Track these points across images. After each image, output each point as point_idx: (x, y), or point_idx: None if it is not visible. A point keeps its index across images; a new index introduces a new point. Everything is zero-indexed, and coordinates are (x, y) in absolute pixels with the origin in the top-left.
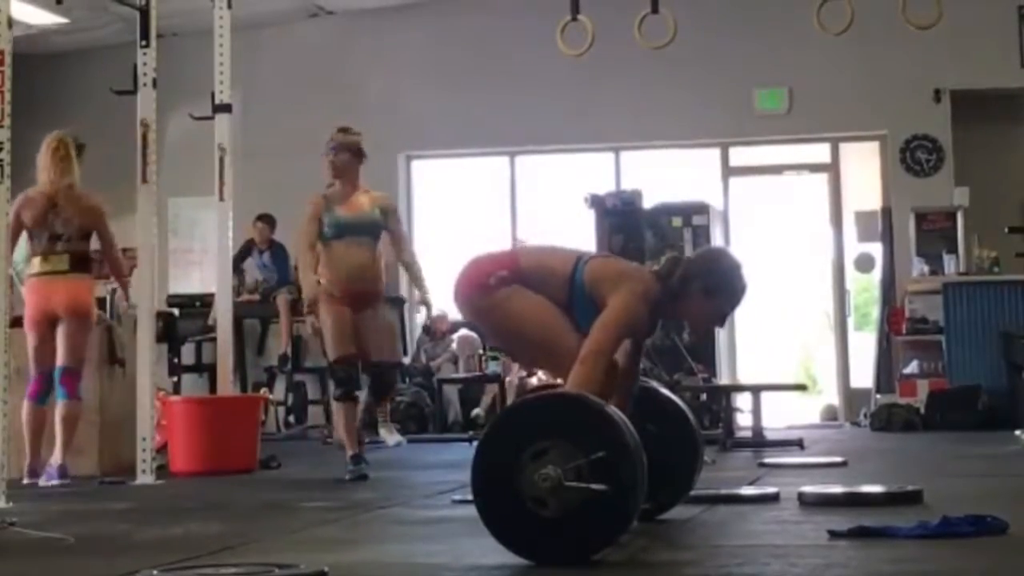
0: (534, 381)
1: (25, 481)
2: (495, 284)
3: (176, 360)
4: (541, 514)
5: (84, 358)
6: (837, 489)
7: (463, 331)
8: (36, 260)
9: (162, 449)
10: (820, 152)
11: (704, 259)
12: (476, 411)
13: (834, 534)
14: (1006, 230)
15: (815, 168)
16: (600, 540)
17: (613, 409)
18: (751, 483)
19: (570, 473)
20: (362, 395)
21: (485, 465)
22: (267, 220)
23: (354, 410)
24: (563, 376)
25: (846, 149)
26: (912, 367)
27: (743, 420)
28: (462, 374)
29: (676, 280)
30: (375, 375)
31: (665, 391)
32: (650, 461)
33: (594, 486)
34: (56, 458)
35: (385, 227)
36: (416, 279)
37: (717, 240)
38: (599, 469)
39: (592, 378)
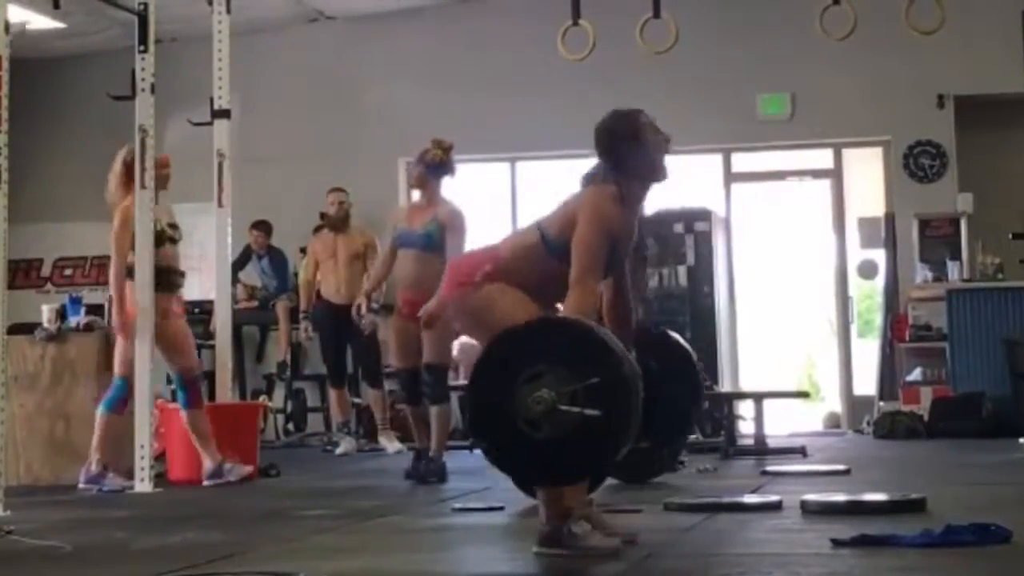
0: None
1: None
2: (480, 279)
3: None
4: (534, 437)
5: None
6: (840, 497)
7: (464, 338)
8: None
9: (160, 457)
10: (823, 158)
11: (604, 125)
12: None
13: (837, 543)
14: (1010, 236)
15: (818, 174)
16: (592, 464)
17: (610, 335)
18: (753, 491)
19: (564, 397)
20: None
21: (480, 387)
22: (263, 227)
23: (417, 412)
24: None
25: (849, 155)
26: (915, 374)
27: (745, 428)
28: (463, 381)
29: (610, 160)
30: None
31: (672, 333)
32: (650, 397)
33: (587, 411)
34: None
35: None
36: None
37: (719, 246)
38: (593, 394)
39: (584, 301)
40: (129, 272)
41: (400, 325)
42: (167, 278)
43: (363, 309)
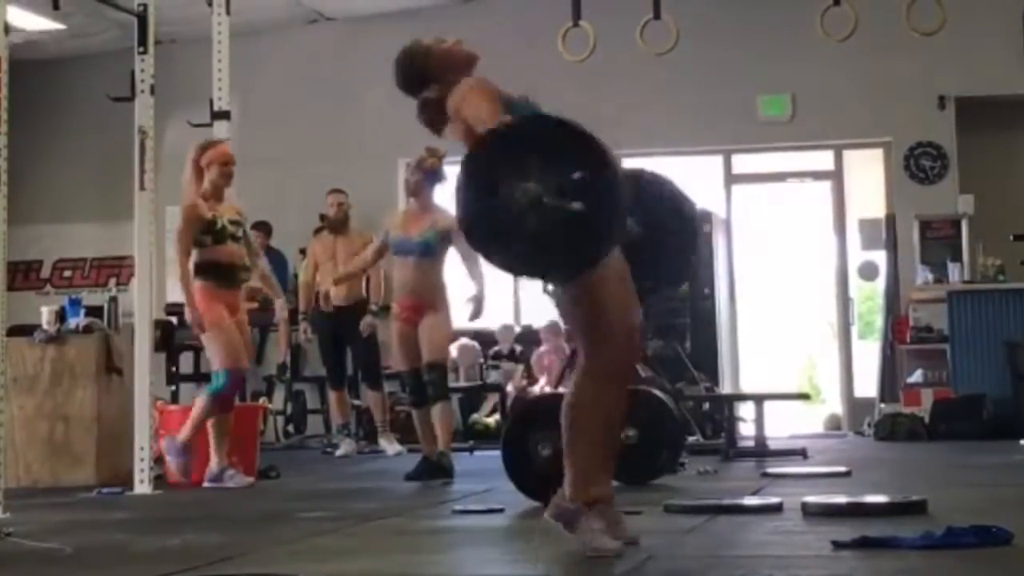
0: (535, 390)
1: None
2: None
3: (174, 369)
4: (519, 228)
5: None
6: (841, 499)
7: (463, 340)
8: None
9: (160, 459)
10: (824, 159)
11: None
12: (474, 416)
13: (838, 545)
14: (1011, 238)
15: (819, 175)
16: (578, 258)
17: (598, 136)
18: (754, 493)
19: (550, 191)
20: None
21: (470, 181)
22: (262, 228)
23: (423, 414)
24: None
25: (850, 156)
26: (916, 376)
27: (746, 429)
28: (463, 383)
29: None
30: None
31: (669, 185)
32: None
33: (572, 204)
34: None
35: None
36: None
37: (720, 248)
38: (579, 189)
39: None
40: (196, 270)
41: (400, 329)
42: (230, 274)
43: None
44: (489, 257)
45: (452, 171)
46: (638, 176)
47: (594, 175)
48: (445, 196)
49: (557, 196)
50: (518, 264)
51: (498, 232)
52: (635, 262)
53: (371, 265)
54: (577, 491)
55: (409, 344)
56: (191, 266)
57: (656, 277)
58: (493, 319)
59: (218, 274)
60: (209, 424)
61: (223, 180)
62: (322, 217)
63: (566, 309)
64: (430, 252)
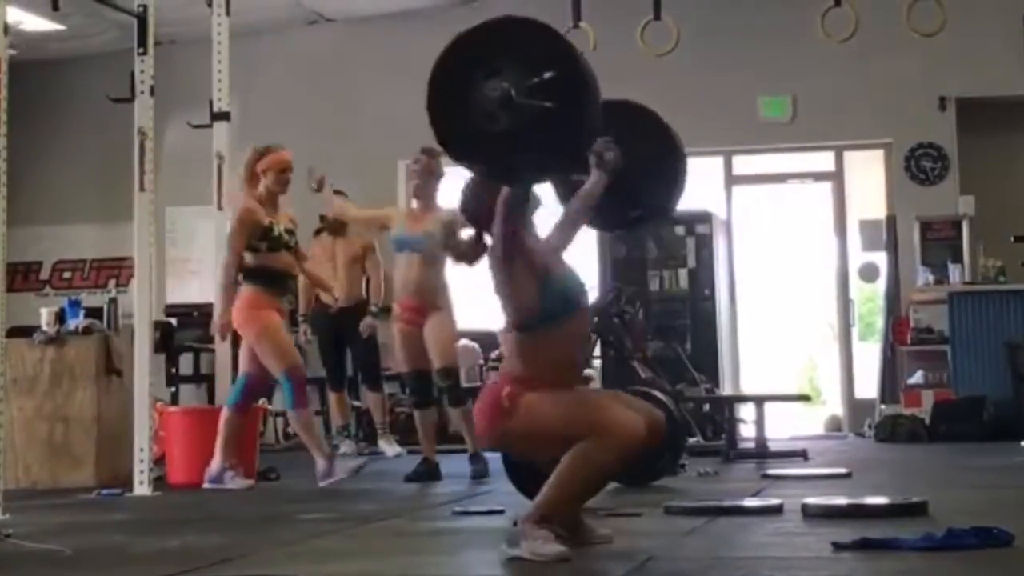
0: None
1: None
2: (509, 403)
3: (174, 370)
4: (492, 129)
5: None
6: (841, 501)
7: (463, 341)
8: None
9: (160, 460)
10: (824, 160)
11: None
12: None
13: (838, 546)
14: (1012, 239)
15: (819, 176)
16: (550, 158)
17: (569, 40)
18: (754, 494)
19: (521, 90)
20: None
21: (441, 80)
22: None
23: (427, 416)
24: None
25: (850, 157)
26: (917, 377)
27: (746, 431)
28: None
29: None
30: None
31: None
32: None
33: (542, 103)
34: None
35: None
36: None
37: (720, 249)
38: (550, 88)
39: None
40: (246, 274)
41: (403, 330)
42: (282, 282)
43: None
44: (469, 164)
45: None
46: (622, 104)
47: (564, 73)
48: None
49: (527, 95)
50: (496, 167)
51: (473, 136)
52: (619, 190)
53: (367, 226)
54: (534, 513)
55: (413, 345)
56: (234, 270)
57: (642, 205)
58: (493, 321)
59: (270, 281)
60: (221, 422)
61: (279, 187)
62: (321, 218)
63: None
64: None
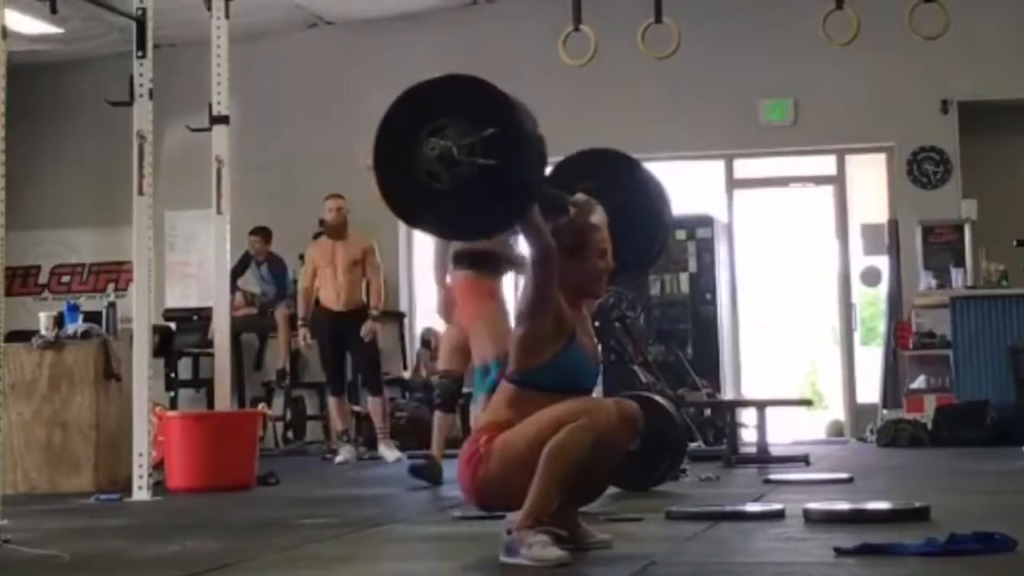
0: None
1: None
2: (485, 447)
3: (173, 375)
4: (435, 187)
5: None
6: (843, 506)
7: None
8: None
9: (159, 465)
10: (826, 164)
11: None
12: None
13: (840, 551)
14: (1014, 243)
15: (821, 180)
16: (497, 214)
17: (510, 94)
18: (756, 499)
19: (463, 149)
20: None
21: (386, 140)
22: (262, 233)
23: (445, 420)
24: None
25: (852, 161)
26: (919, 382)
27: (748, 436)
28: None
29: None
30: None
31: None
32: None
33: (482, 160)
34: None
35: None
36: None
37: (722, 253)
38: (491, 145)
39: None
40: (456, 260)
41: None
42: (494, 262)
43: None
44: (412, 222)
45: None
46: (603, 154)
47: (505, 130)
48: None
49: (468, 153)
50: (440, 224)
51: (415, 194)
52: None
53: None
54: (525, 519)
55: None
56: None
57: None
58: None
59: (480, 263)
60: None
61: None
62: (322, 222)
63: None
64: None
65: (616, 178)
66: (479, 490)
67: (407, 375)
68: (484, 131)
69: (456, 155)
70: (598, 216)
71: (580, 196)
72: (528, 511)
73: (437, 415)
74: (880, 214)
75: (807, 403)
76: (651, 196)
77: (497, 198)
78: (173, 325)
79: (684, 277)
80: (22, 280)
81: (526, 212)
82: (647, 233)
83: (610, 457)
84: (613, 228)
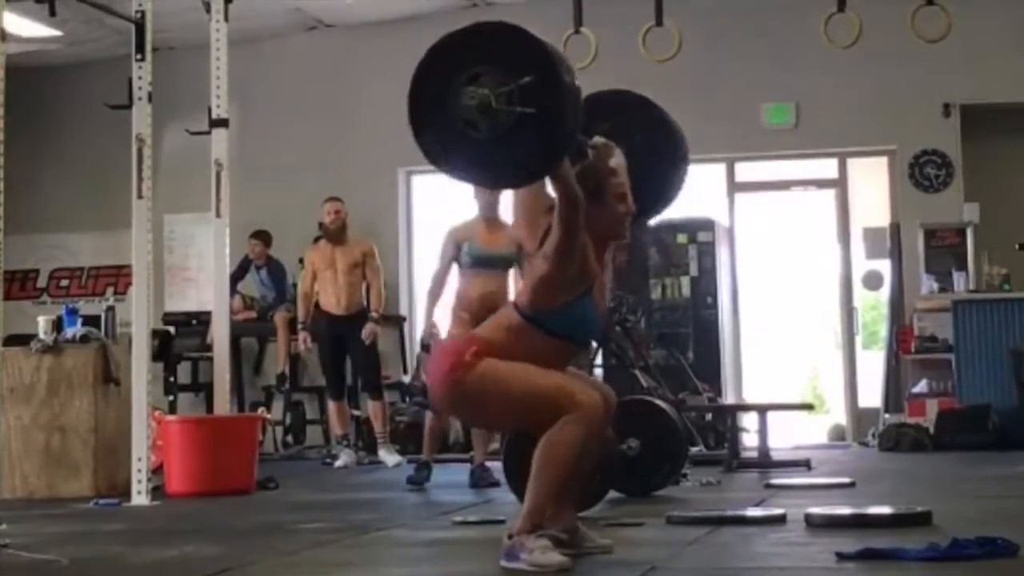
0: None
1: None
2: (471, 359)
3: (172, 379)
4: (474, 136)
5: None
6: (845, 510)
7: None
8: None
9: (158, 469)
10: (828, 167)
11: None
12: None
13: (842, 556)
14: (1017, 247)
15: (822, 184)
16: (531, 162)
17: (548, 43)
18: (757, 504)
19: (501, 97)
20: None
21: (421, 90)
22: (262, 237)
23: (439, 422)
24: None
25: (854, 164)
26: (921, 386)
27: (749, 440)
28: None
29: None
30: None
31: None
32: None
33: (522, 108)
34: None
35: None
36: None
37: (723, 257)
38: (529, 93)
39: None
40: None
41: (460, 334)
42: None
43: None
44: (449, 171)
45: None
46: (623, 96)
47: (542, 77)
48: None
49: (507, 101)
50: (476, 172)
51: (452, 142)
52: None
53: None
54: (525, 523)
55: None
56: None
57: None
58: None
59: None
60: None
61: None
62: (321, 226)
63: (502, 416)
64: (509, 267)
65: (633, 119)
66: (448, 391)
67: (407, 379)
68: (522, 79)
69: (495, 104)
70: (617, 159)
71: (599, 139)
72: (527, 513)
73: (429, 418)
74: (882, 218)
75: (808, 407)
76: (668, 136)
77: (534, 146)
78: (172, 329)
79: (685, 281)
80: (21, 284)
81: (562, 160)
82: (666, 174)
83: (595, 446)
84: (632, 170)
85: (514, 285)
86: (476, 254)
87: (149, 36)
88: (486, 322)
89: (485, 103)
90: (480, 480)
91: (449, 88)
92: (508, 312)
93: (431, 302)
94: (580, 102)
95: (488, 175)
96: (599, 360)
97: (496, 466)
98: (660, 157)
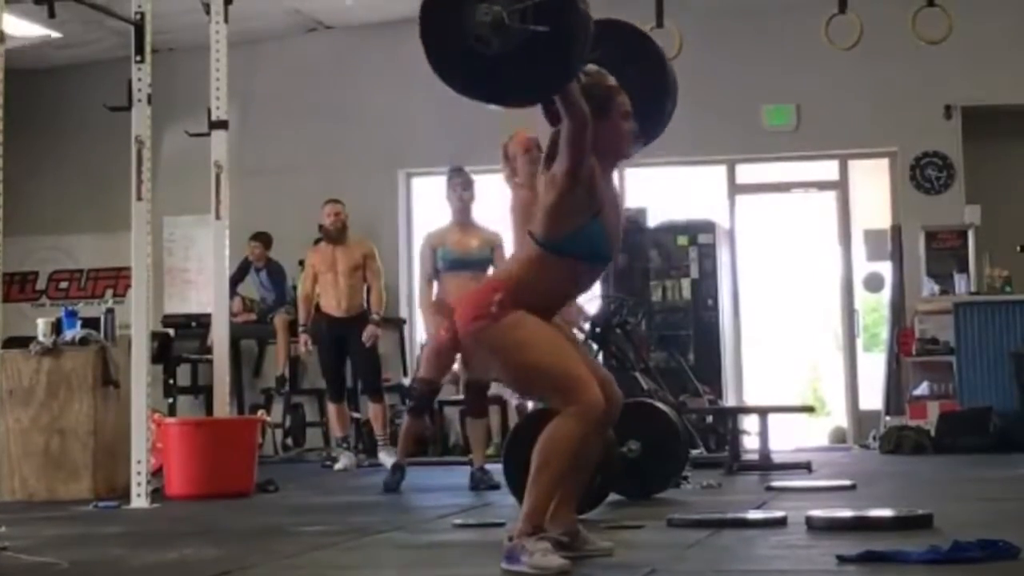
0: (531, 405)
1: None
2: (497, 311)
3: (172, 381)
4: (485, 52)
5: None
6: (846, 513)
7: None
8: None
9: (157, 472)
10: (828, 169)
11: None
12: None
13: (843, 559)
14: (1018, 249)
15: (823, 186)
16: (540, 81)
17: None
18: (758, 507)
19: (514, 15)
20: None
21: (433, 6)
22: (262, 239)
23: (416, 425)
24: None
25: (855, 166)
26: (922, 388)
27: (750, 443)
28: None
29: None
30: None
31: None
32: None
33: (535, 27)
34: None
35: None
36: None
37: (723, 259)
38: (542, 13)
39: None
40: None
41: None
42: None
43: None
44: (460, 88)
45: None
46: (614, 25)
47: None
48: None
49: (520, 19)
50: (487, 89)
51: (463, 59)
52: None
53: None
54: (526, 524)
55: (445, 356)
56: None
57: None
58: None
59: None
60: None
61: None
62: (321, 227)
63: (516, 382)
64: (485, 267)
65: (624, 48)
66: (471, 336)
67: (408, 381)
68: None
69: (507, 21)
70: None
71: (591, 67)
72: (527, 513)
73: (406, 419)
74: (883, 220)
75: (809, 410)
76: (657, 65)
77: (545, 65)
78: (172, 331)
79: (686, 283)
80: (20, 286)
81: (571, 80)
82: (657, 102)
83: (594, 446)
84: None
85: None
86: (450, 258)
87: (148, 38)
88: (507, 260)
89: (498, 20)
90: (480, 483)
91: (463, 4)
92: (527, 247)
93: (425, 312)
94: (591, 25)
95: (497, 91)
96: (600, 361)
97: (496, 468)
98: (652, 88)
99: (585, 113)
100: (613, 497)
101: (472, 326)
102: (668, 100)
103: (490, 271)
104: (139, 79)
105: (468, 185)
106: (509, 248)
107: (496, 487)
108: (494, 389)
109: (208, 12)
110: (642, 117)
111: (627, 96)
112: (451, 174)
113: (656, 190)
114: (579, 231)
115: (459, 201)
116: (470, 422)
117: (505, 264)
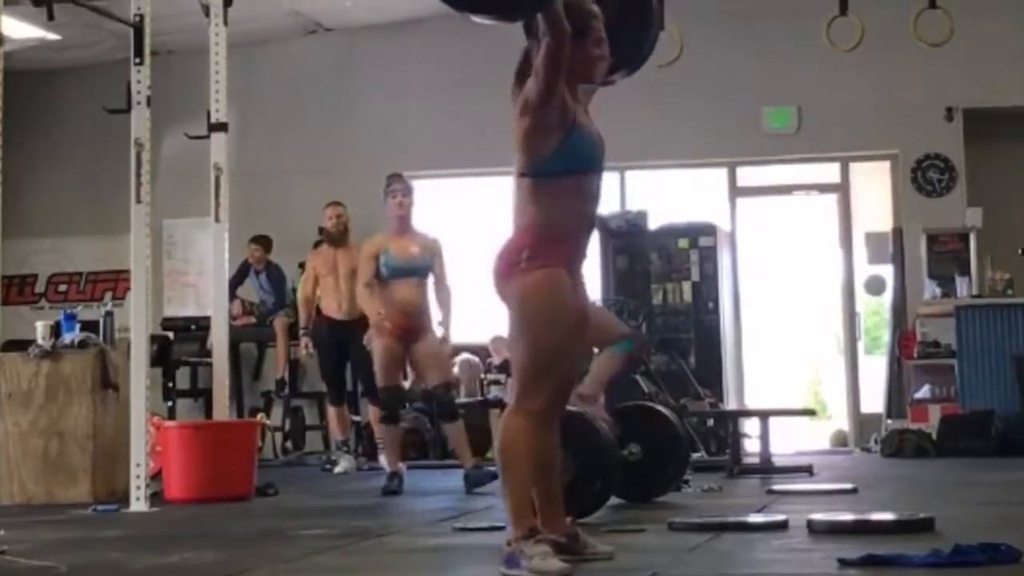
0: None
1: None
2: (527, 265)
3: (171, 384)
4: None
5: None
6: (847, 516)
7: (464, 355)
8: None
9: (157, 475)
10: (829, 172)
11: None
12: None
13: (844, 563)
14: (1020, 252)
15: (824, 188)
16: None
17: None
18: (759, 510)
19: None
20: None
21: None
22: (262, 241)
23: (395, 431)
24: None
25: (856, 169)
26: (924, 392)
27: (751, 446)
28: (463, 399)
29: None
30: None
31: None
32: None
33: None
34: None
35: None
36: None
37: (724, 262)
38: None
39: None
40: None
41: (390, 345)
42: None
43: None
44: (455, 3)
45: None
46: None
47: None
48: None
49: None
50: (482, 3)
51: None
52: None
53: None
54: (516, 528)
55: (397, 362)
56: None
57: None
58: (483, 332)
59: None
60: None
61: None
62: (321, 230)
63: (511, 338)
64: (427, 273)
65: None
66: (497, 291)
67: (407, 385)
68: None
69: None
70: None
71: None
72: (511, 521)
73: (385, 429)
74: (884, 222)
75: (810, 413)
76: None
77: None
78: (171, 334)
79: (687, 286)
80: (19, 289)
81: None
82: (638, 33)
83: (548, 439)
84: (606, 29)
85: (433, 293)
86: (393, 265)
87: (148, 40)
88: (517, 211)
89: None
90: (476, 481)
91: None
92: (521, 185)
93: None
94: None
95: (492, 5)
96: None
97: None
98: (633, 19)
99: (567, 31)
100: (614, 500)
101: (501, 277)
102: (650, 24)
103: (430, 279)
104: (138, 81)
105: (408, 192)
106: (447, 255)
107: (495, 476)
108: (495, 392)
109: (207, 14)
110: (629, 39)
111: (601, 24)
112: (390, 180)
113: (657, 193)
114: (561, 146)
115: (398, 208)
116: (446, 428)
117: (516, 214)
